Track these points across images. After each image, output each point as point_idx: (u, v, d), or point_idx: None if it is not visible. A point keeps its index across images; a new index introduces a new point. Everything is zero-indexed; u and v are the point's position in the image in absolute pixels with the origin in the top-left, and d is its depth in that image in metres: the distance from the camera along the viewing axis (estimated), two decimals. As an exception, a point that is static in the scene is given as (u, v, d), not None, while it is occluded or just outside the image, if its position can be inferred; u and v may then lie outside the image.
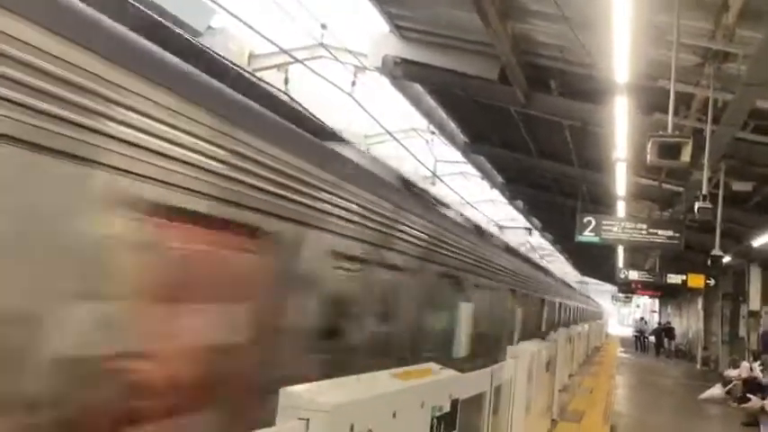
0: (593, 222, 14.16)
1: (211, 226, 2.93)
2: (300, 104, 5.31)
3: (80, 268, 2.29)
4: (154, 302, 2.68)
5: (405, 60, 10.79)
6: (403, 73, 11.09)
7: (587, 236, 14.18)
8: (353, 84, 11.64)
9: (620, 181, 13.19)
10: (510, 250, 13.15)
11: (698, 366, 25.62)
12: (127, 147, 2.43)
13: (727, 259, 16.15)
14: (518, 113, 12.72)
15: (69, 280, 2.25)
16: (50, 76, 2.14)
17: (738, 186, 12.08)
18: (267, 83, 5.57)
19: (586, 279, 54.75)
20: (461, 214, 10.36)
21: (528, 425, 6.05)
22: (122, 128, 2.40)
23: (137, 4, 3.37)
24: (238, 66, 4.69)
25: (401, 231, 5.40)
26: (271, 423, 2.02)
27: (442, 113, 14.41)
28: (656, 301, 46.45)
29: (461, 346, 7.96)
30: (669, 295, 36.35)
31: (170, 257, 2.77)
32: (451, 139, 15.95)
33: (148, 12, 3.56)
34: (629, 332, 46.46)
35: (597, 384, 14.50)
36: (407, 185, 6.95)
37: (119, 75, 2.39)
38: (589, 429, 9.25)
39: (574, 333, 14.91)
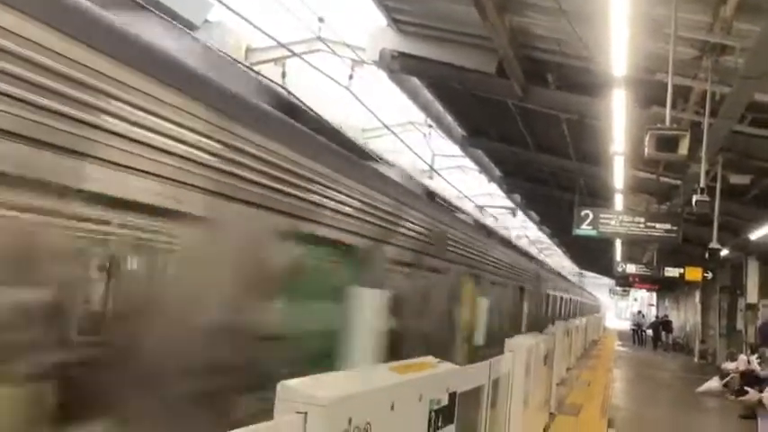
0: (591, 216, 14.14)
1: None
2: (299, 98, 5.30)
3: None
4: None
5: (402, 54, 10.77)
6: (400, 66, 11.07)
7: (585, 229, 14.16)
8: (351, 77, 11.60)
9: (618, 174, 13.19)
10: (509, 244, 13.17)
11: (695, 359, 25.64)
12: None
13: (724, 252, 16.17)
14: (515, 107, 12.70)
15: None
16: (43, 68, 2.12)
17: (736, 179, 12.07)
18: (265, 76, 5.56)
19: (584, 272, 54.90)
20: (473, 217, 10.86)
21: (526, 418, 6.07)
22: (118, 121, 2.39)
23: (133, -2, 3.36)
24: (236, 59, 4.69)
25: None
26: None
27: (439, 107, 14.40)
28: (654, 294, 46.48)
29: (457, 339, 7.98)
30: (667, 288, 36.38)
31: None
32: (449, 132, 15.93)
33: (146, 5, 3.55)
34: (626, 325, 46.49)
35: (595, 378, 14.55)
36: (432, 197, 8.36)
37: (117, 70, 2.38)
38: (587, 422, 9.29)
39: (571, 326, 14.94)
